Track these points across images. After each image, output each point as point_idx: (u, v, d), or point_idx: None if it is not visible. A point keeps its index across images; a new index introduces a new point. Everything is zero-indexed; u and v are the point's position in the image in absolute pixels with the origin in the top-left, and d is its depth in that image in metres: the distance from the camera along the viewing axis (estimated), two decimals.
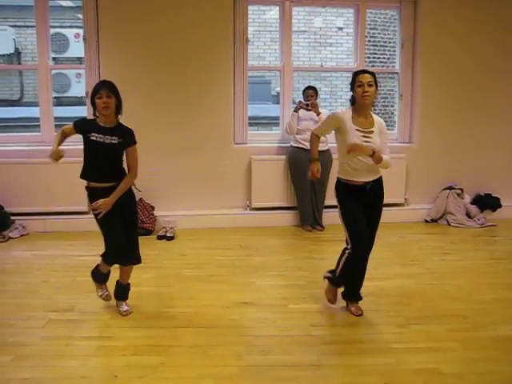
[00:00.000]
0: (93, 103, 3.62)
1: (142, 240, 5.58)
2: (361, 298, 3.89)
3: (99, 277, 3.93)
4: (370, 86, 3.55)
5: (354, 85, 3.61)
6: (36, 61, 6.29)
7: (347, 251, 3.72)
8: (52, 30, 6.58)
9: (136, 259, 3.85)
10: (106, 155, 3.61)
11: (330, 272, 3.92)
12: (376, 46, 8.52)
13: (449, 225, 6.43)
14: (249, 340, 3.51)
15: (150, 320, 3.76)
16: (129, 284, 3.95)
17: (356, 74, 3.62)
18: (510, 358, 3.25)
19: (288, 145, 6.27)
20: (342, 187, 3.73)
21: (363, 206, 3.67)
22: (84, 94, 6.26)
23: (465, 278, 4.63)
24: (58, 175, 5.80)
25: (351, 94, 3.69)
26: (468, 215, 6.51)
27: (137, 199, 5.96)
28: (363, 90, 3.53)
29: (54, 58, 7.17)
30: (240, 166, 6.35)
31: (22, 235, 5.85)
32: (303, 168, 6.06)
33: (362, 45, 6.58)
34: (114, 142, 3.61)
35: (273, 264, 5.05)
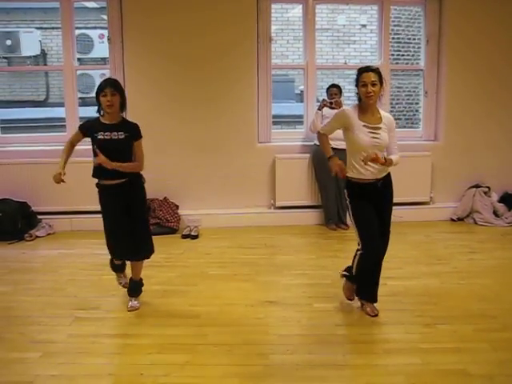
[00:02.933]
0: (97, 101, 3.67)
1: (166, 239, 5.72)
2: (376, 301, 3.80)
3: (115, 266, 4.07)
4: (374, 85, 3.48)
5: (357, 84, 3.56)
6: (61, 62, 6.36)
7: (359, 252, 3.69)
8: (77, 31, 6.66)
9: (143, 254, 3.93)
10: (115, 151, 3.66)
11: (347, 269, 3.90)
12: (400, 42, 8.45)
13: (475, 223, 6.33)
14: (274, 339, 3.51)
15: (175, 318, 3.78)
16: (141, 280, 4.02)
17: (360, 73, 3.55)
18: None
19: (312, 143, 6.24)
20: (354, 187, 3.66)
21: (374, 206, 3.63)
22: None
23: (492, 278, 4.55)
24: (84, 174, 5.82)
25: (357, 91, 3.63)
26: (495, 214, 6.40)
27: (161, 198, 6.07)
28: (367, 90, 3.48)
29: (78, 59, 7.25)
30: (264, 165, 6.34)
31: (49, 234, 5.93)
32: (327, 166, 6.03)
33: (386, 42, 6.51)
34: (121, 137, 3.68)
35: (297, 263, 5.03)
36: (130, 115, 6.24)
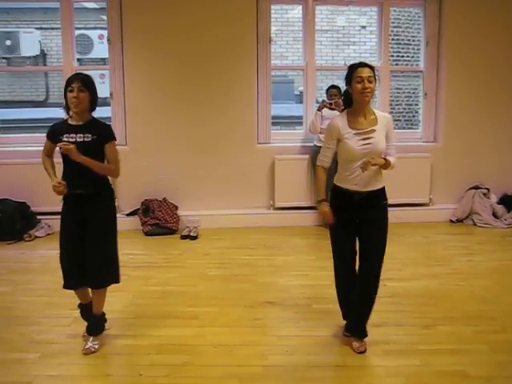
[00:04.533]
0: (65, 98, 3.22)
1: (165, 239, 5.73)
2: (366, 335, 3.38)
3: (81, 315, 3.49)
4: (370, 82, 3.17)
5: (351, 80, 3.21)
6: (61, 62, 6.36)
7: (334, 270, 3.54)
8: (76, 32, 6.65)
9: (96, 283, 3.33)
10: (84, 155, 3.15)
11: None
12: (400, 44, 8.46)
13: (475, 225, 6.33)
14: (273, 340, 3.50)
15: (174, 319, 3.77)
16: (101, 315, 3.45)
17: (354, 68, 3.22)
18: None
19: (311, 144, 6.24)
20: (338, 196, 3.33)
21: (359, 223, 3.30)
22: (108, 95, 6.30)
23: (492, 279, 4.55)
24: None
25: (345, 90, 3.32)
26: (494, 215, 6.40)
27: (160, 199, 6.07)
28: (363, 86, 3.15)
29: (78, 60, 7.25)
30: (263, 166, 6.34)
31: (48, 234, 5.92)
32: None
33: (386, 43, 6.52)
34: (87, 139, 3.20)
35: (296, 264, 5.04)
36: (130, 115, 6.29)
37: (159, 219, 5.95)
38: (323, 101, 6.15)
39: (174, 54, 6.07)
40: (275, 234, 5.98)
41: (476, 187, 6.48)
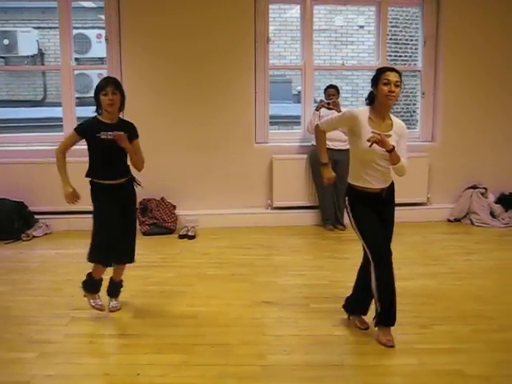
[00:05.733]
0: (96, 100, 3.60)
1: (163, 239, 5.73)
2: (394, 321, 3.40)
3: (92, 286, 3.78)
4: (397, 86, 3.23)
5: (377, 82, 3.28)
6: (59, 62, 6.36)
7: (372, 269, 3.33)
8: (74, 31, 6.66)
9: (131, 258, 3.84)
10: (118, 151, 3.59)
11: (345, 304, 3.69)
12: (398, 43, 8.47)
13: (472, 224, 6.34)
14: (271, 339, 3.51)
15: (173, 319, 3.77)
16: (121, 281, 3.94)
17: (382, 71, 3.29)
18: None
19: (309, 144, 6.24)
20: (355, 195, 3.42)
21: (377, 215, 3.40)
22: None
23: (489, 279, 4.56)
24: (81, 174, 5.84)
25: (371, 90, 3.38)
26: (492, 215, 6.41)
27: (158, 198, 6.07)
28: (389, 88, 3.21)
29: (76, 59, 7.24)
30: (261, 166, 6.34)
31: (46, 234, 5.92)
32: None
33: (384, 43, 6.52)
34: None
35: (294, 263, 5.04)
36: (128, 115, 6.25)
37: (157, 219, 5.95)
38: (321, 100, 6.15)
39: (172, 55, 6.06)
40: (273, 233, 5.98)
41: (474, 187, 6.49)
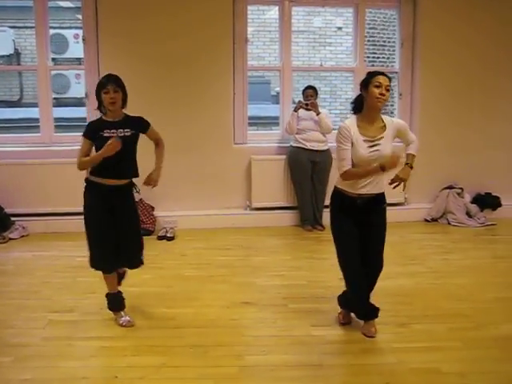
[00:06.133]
0: (98, 98, 3.50)
1: None
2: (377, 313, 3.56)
3: (114, 304, 3.71)
4: (387, 90, 3.27)
5: (368, 84, 3.28)
6: (35, 62, 6.29)
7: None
8: (51, 31, 6.60)
9: (133, 263, 3.70)
10: (122, 149, 3.43)
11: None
12: (375, 45, 8.51)
13: (449, 224, 6.42)
14: (249, 340, 3.51)
15: (151, 320, 3.76)
16: (120, 292, 3.78)
17: (373, 75, 3.31)
18: (511, 356, 3.24)
19: (288, 145, 6.26)
20: (342, 202, 3.44)
21: (362, 225, 3.45)
22: (84, 95, 6.25)
23: (466, 277, 4.62)
24: (58, 176, 5.81)
25: (357, 95, 3.42)
26: (468, 214, 6.50)
27: (137, 199, 6.01)
28: (380, 91, 3.24)
29: (53, 59, 7.17)
30: (240, 166, 6.35)
31: (23, 236, 5.85)
32: (303, 168, 6.09)
33: (362, 44, 6.58)
34: (127, 134, 3.51)
35: (273, 264, 5.05)
36: None
37: None
38: (299, 101, 6.18)
39: (150, 56, 6.03)
40: (252, 234, 5.99)
41: (450, 187, 6.57)
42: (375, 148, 3.33)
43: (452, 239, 5.86)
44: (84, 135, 3.54)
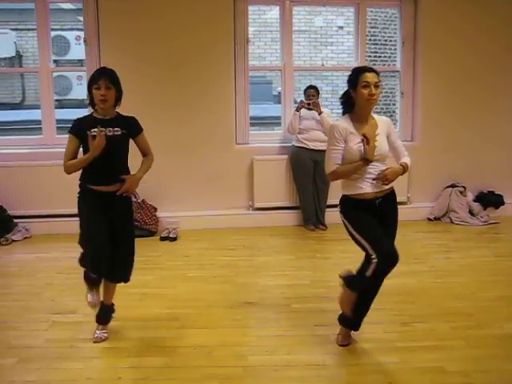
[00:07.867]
0: (89, 93, 3.20)
1: (145, 241, 5.68)
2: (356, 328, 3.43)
3: (92, 278, 3.39)
4: (377, 87, 3.07)
5: (356, 84, 3.08)
6: (37, 64, 6.30)
7: (373, 261, 3.09)
8: (53, 33, 6.60)
9: (123, 276, 3.48)
10: (111, 149, 3.18)
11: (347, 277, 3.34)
12: (377, 44, 8.53)
13: (452, 223, 6.41)
14: (253, 340, 3.51)
15: (154, 321, 3.76)
16: (113, 305, 3.56)
17: (359, 72, 3.10)
18: None
19: (290, 144, 6.26)
20: (351, 205, 3.22)
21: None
22: (85, 97, 6.25)
23: (469, 276, 4.61)
24: (61, 177, 5.74)
25: (346, 92, 3.20)
26: (471, 213, 6.49)
27: (139, 201, 6.03)
28: (370, 92, 3.05)
29: (55, 61, 7.16)
30: (242, 167, 6.34)
31: (25, 238, 5.86)
32: (305, 167, 6.09)
33: (363, 43, 6.56)
34: (117, 133, 3.22)
35: (276, 264, 5.05)
36: None
37: (138, 221, 5.91)
38: (301, 101, 6.17)
39: (151, 56, 6.04)
40: (254, 234, 5.99)
41: (453, 185, 6.56)
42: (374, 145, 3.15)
43: (455, 238, 5.85)
44: (70, 131, 3.25)
